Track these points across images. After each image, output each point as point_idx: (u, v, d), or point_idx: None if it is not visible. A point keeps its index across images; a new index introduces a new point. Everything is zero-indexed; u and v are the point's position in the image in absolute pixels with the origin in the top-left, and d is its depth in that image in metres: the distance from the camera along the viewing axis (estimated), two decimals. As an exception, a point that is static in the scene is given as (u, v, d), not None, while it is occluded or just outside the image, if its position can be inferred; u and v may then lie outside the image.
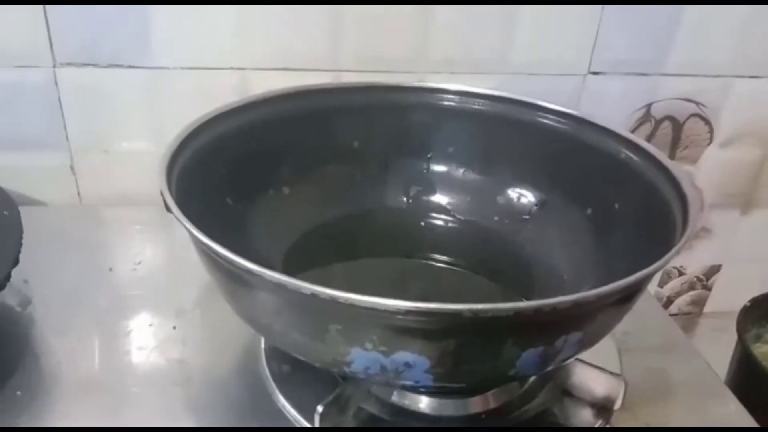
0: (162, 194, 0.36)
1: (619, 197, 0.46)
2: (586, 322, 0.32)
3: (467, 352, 0.31)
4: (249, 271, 0.30)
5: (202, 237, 0.32)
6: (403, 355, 0.31)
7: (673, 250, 0.33)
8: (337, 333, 0.31)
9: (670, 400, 0.44)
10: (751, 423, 0.42)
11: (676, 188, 0.40)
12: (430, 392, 0.40)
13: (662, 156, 0.43)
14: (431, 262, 0.52)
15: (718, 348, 0.75)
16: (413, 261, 0.53)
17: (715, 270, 0.76)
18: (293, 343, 0.34)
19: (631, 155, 0.45)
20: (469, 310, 0.27)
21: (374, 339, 0.30)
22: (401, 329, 0.30)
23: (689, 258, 0.75)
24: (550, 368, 0.35)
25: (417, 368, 0.31)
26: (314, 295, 0.28)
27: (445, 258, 0.52)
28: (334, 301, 0.28)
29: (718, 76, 0.64)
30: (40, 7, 0.52)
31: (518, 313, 0.28)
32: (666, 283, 0.76)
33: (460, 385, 0.35)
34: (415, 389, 0.40)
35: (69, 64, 0.54)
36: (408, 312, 0.28)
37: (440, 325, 0.30)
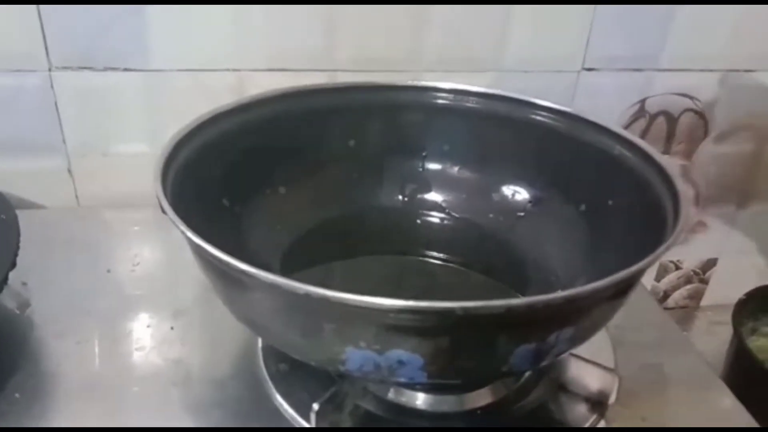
0: (157, 197, 0.36)
1: (613, 193, 0.46)
2: (578, 317, 0.33)
3: (460, 349, 0.31)
4: (243, 273, 0.30)
5: (196, 239, 0.32)
6: (397, 353, 0.31)
7: (663, 246, 0.33)
8: (331, 332, 0.31)
9: (665, 395, 0.44)
10: (746, 416, 0.42)
11: (668, 184, 0.40)
12: (427, 389, 0.40)
13: (654, 152, 0.43)
14: (427, 259, 0.52)
15: (715, 341, 0.75)
16: (409, 258, 0.53)
17: (711, 264, 0.76)
18: (289, 342, 0.35)
19: (625, 151, 0.45)
20: (461, 308, 0.28)
21: (367, 338, 0.31)
22: (394, 328, 0.30)
23: (685, 252, 0.75)
24: (543, 364, 0.35)
25: (411, 366, 0.31)
26: (307, 295, 0.29)
27: (440, 255, 0.52)
28: (326, 300, 0.29)
29: (712, 70, 0.64)
30: (34, 8, 0.52)
31: (510, 310, 0.28)
32: (663, 277, 0.76)
33: (455, 382, 0.36)
34: (411, 386, 0.40)
35: (65, 67, 0.54)
36: (400, 311, 0.28)
37: (432, 323, 0.30)
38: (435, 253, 0.53)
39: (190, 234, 0.32)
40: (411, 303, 0.28)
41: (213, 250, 0.31)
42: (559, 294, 0.29)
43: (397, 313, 0.29)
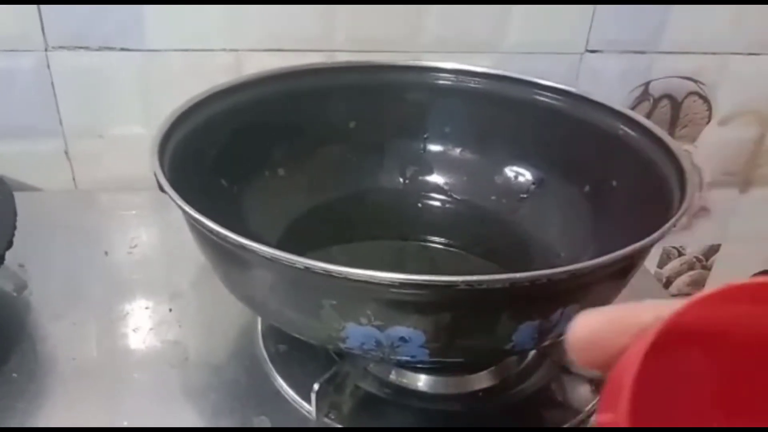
0: (155, 174, 0.35)
1: (617, 174, 0.45)
2: (582, 295, 0.32)
3: (463, 325, 0.30)
4: (242, 247, 0.30)
5: (195, 213, 0.31)
6: (398, 330, 0.30)
7: (670, 222, 0.32)
8: (331, 308, 0.31)
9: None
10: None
11: (674, 163, 0.40)
12: (428, 370, 0.40)
13: (660, 131, 0.43)
14: (428, 244, 0.52)
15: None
16: (410, 243, 0.52)
17: (714, 250, 0.76)
18: (288, 320, 0.34)
19: (629, 131, 0.45)
20: (464, 282, 0.27)
21: (369, 314, 0.30)
22: (396, 303, 0.30)
23: (688, 238, 0.74)
24: (546, 343, 0.34)
25: (412, 343, 0.31)
26: (308, 269, 0.28)
27: (441, 239, 0.52)
28: (327, 275, 0.28)
29: (715, 53, 0.63)
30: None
31: (513, 285, 0.28)
32: (666, 263, 0.76)
33: (457, 360, 0.35)
34: (413, 367, 0.40)
35: (61, 47, 0.54)
36: (402, 284, 0.28)
37: (435, 298, 0.29)
38: (436, 238, 0.52)
39: (187, 208, 0.32)
40: (414, 276, 0.27)
41: (212, 224, 0.30)
42: (562, 269, 0.28)
43: (399, 287, 0.28)
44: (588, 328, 0.17)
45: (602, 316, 0.17)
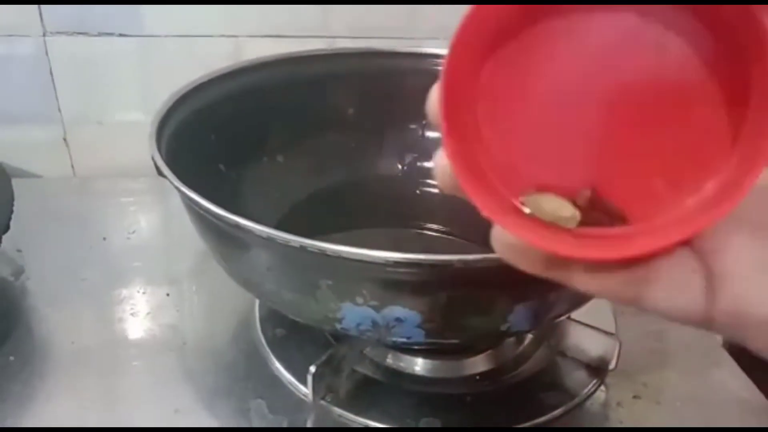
0: (153, 157, 0.35)
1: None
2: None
3: (458, 305, 0.30)
4: (239, 227, 0.30)
5: (192, 194, 0.31)
6: (394, 310, 0.30)
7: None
8: (327, 288, 0.31)
9: (667, 362, 0.43)
10: (748, 384, 0.42)
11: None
12: (425, 353, 0.40)
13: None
14: (426, 232, 0.52)
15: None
16: (408, 230, 0.52)
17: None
18: (285, 301, 0.34)
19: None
20: (460, 261, 0.27)
21: (364, 293, 0.30)
22: (392, 282, 0.30)
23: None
24: (543, 324, 0.34)
25: (408, 323, 0.31)
26: (303, 249, 0.28)
27: (439, 226, 0.52)
28: (323, 254, 0.28)
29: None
30: (28, -26, 0.51)
31: (509, 265, 0.28)
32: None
33: (453, 342, 0.35)
34: (410, 350, 0.40)
35: (59, 32, 0.54)
36: (397, 263, 0.28)
37: (431, 278, 0.29)
38: (434, 225, 0.52)
39: (185, 189, 0.31)
40: (409, 255, 0.27)
41: (209, 205, 0.30)
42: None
43: (394, 266, 0.28)
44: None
45: None
